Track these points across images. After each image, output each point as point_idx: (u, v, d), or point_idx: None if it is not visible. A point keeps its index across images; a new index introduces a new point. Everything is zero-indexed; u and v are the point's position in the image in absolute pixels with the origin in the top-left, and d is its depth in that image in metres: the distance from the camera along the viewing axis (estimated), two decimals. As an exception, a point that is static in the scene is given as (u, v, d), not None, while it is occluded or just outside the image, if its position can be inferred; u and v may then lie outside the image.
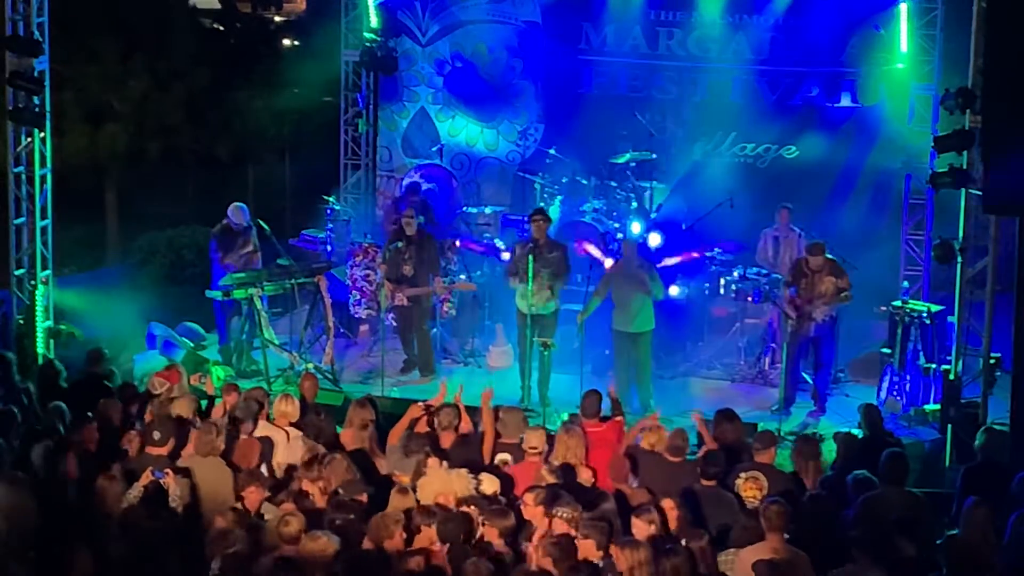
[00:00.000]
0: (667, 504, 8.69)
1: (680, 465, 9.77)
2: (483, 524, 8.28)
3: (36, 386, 12.31)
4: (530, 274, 13.18)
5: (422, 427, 10.32)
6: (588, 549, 7.98)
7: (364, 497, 8.79)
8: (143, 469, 8.94)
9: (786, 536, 8.22)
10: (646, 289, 13.10)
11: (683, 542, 8.22)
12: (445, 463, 9.26)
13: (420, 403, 10.60)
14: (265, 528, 8.42)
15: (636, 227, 15.40)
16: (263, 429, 10.19)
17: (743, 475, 9.24)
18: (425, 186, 16.63)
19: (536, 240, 13.45)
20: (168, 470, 8.90)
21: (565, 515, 8.24)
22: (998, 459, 10.27)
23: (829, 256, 13.31)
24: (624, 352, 13.34)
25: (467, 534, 8.21)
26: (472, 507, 8.48)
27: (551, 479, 9.10)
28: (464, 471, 9.00)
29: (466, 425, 10.37)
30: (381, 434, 10.49)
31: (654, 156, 15.99)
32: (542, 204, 15.83)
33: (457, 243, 15.23)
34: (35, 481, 9.07)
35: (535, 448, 9.69)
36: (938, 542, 8.71)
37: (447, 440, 10.12)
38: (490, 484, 9.00)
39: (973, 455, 10.48)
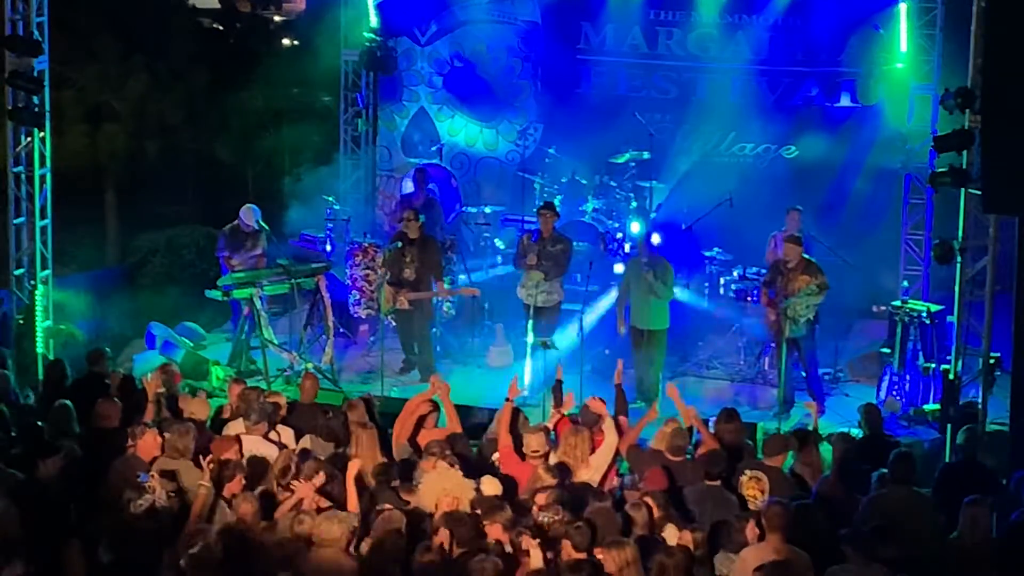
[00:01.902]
0: (648, 501, 8.74)
1: (681, 464, 9.77)
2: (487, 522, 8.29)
3: (42, 386, 12.32)
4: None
5: (431, 423, 10.35)
6: (567, 550, 8.00)
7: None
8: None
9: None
10: (651, 290, 13.13)
11: (676, 539, 8.25)
12: (445, 464, 9.25)
13: (420, 400, 10.59)
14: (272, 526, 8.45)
15: (636, 227, 15.44)
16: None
17: (747, 474, 9.24)
18: (428, 185, 16.61)
19: (541, 233, 13.53)
20: (153, 473, 8.89)
21: (547, 518, 8.25)
22: (985, 456, 10.27)
23: (806, 256, 13.28)
24: (638, 347, 13.44)
25: (480, 535, 8.21)
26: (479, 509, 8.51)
27: (548, 478, 9.11)
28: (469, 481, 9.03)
29: (453, 423, 10.40)
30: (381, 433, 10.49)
31: (649, 156, 16.01)
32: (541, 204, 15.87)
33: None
34: (23, 482, 9.10)
35: (536, 451, 9.68)
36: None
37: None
38: (491, 487, 9.03)
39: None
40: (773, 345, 14.18)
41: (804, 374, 13.48)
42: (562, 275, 13.77)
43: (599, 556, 7.81)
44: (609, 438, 9.82)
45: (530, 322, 13.50)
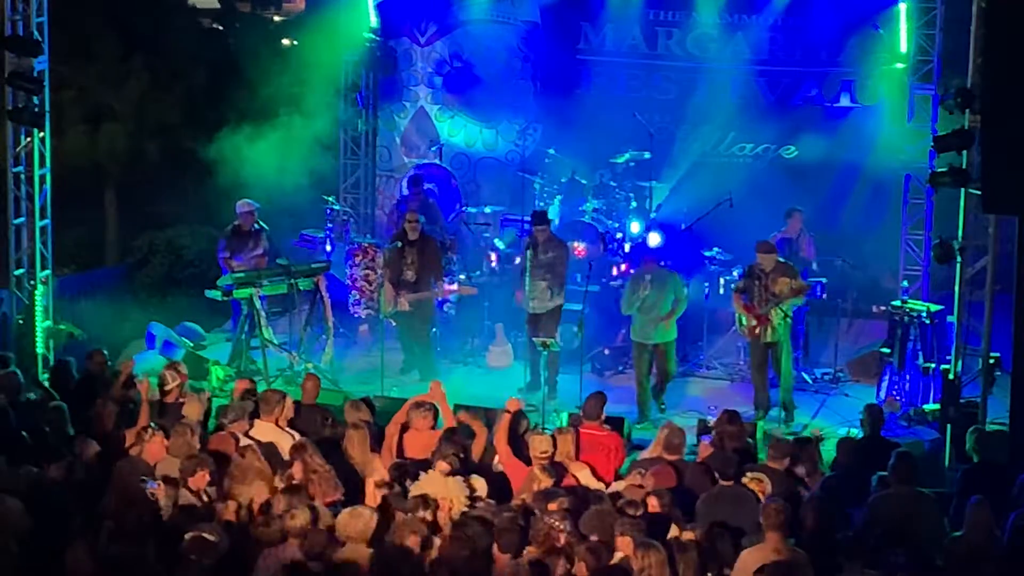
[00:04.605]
0: (652, 502, 8.75)
1: (678, 463, 9.76)
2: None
3: (49, 385, 12.33)
4: (527, 274, 13.36)
5: (424, 426, 10.31)
6: (625, 546, 8.03)
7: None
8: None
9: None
10: (668, 312, 13.07)
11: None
12: (442, 468, 9.25)
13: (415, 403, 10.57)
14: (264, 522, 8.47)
15: (636, 227, 15.44)
16: (263, 430, 10.22)
17: (748, 475, 9.25)
18: (425, 186, 16.61)
19: (536, 241, 13.50)
20: (160, 481, 8.91)
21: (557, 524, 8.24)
22: (994, 458, 10.28)
23: (780, 259, 13.23)
24: (643, 362, 13.24)
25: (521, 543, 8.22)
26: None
27: (544, 478, 9.12)
28: (459, 478, 9.02)
29: (449, 422, 10.39)
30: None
31: (650, 156, 16.01)
32: (541, 204, 15.88)
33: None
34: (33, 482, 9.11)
35: (545, 452, 9.67)
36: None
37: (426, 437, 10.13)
38: (480, 486, 9.06)
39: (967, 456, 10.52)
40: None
41: (778, 382, 13.33)
42: (560, 281, 13.63)
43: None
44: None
45: (525, 325, 13.55)
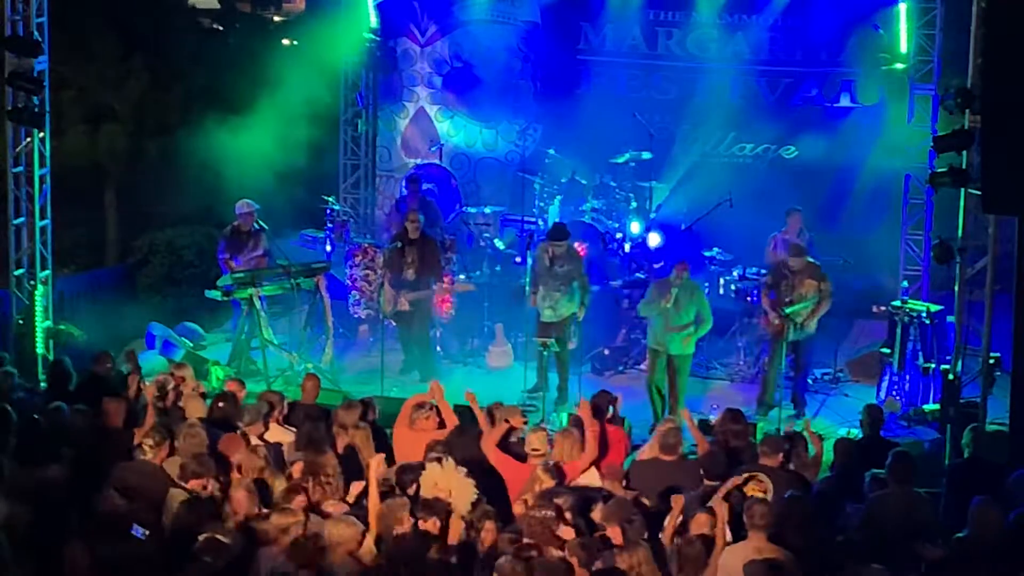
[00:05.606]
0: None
1: (675, 463, 9.75)
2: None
3: (47, 386, 12.33)
4: (541, 284, 13.33)
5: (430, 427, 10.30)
6: (616, 535, 8.06)
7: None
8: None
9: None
10: (686, 323, 12.84)
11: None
12: (450, 463, 9.24)
13: (416, 402, 10.54)
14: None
15: (635, 227, 15.44)
16: (270, 431, 10.22)
17: (745, 475, 9.22)
18: (424, 186, 16.64)
19: (554, 255, 13.36)
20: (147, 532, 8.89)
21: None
22: (985, 456, 10.28)
23: (810, 260, 13.25)
24: (656, 370, 13.05)
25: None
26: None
27: (546, 478, 9.12)
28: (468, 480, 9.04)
29: (451, 423, 10.38)
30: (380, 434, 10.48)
31: (651, 156, 16.01)
32: (541, 204, 15.86)
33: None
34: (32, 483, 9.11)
35: (537, 450, 9.66)
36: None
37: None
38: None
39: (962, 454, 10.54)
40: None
41: (794, 376, 13.34)
42: (584, 284, 13.42)
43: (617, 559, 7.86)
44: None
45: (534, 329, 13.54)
